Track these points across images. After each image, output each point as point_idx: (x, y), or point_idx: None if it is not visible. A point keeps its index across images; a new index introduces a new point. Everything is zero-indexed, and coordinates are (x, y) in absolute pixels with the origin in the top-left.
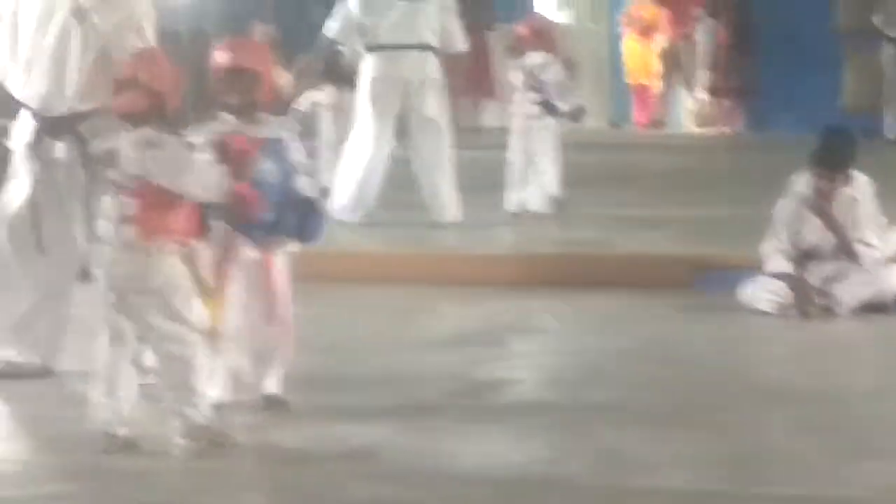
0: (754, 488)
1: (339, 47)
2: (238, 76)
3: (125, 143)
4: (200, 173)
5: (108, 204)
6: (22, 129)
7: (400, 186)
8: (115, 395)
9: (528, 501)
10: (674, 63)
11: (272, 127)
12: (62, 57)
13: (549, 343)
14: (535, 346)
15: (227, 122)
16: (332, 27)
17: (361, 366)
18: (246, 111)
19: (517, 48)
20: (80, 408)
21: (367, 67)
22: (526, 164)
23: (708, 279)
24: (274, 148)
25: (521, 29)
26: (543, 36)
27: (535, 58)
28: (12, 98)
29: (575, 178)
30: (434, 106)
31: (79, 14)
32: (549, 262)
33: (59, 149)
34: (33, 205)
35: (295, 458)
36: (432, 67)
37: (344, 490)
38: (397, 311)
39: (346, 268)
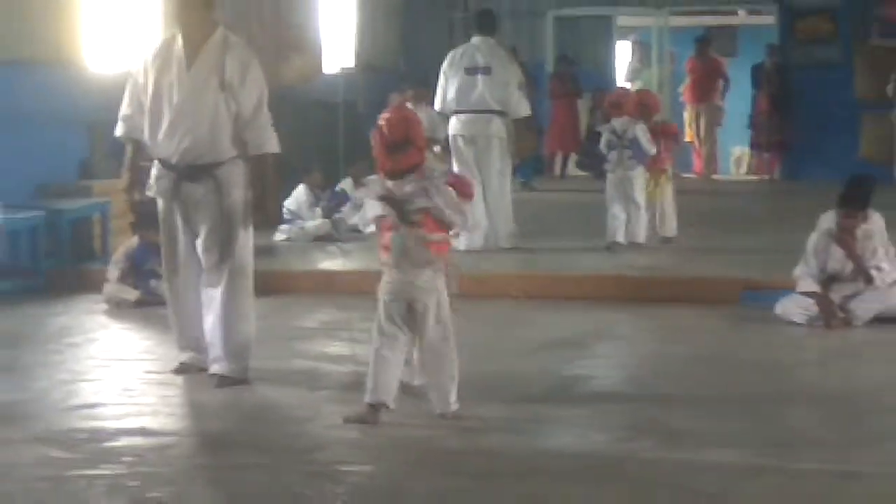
0: (791, 464)
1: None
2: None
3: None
4: (458, 205)
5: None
6: (159, 178)
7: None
8: (385, 378)
9: (608, 472)
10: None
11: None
12: (212, 121)
13: (625, 347)
14: (613, 350)
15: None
16: (436, 103)
17: (475, 366)
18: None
19: (607, 114)
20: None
21: (450, 128)
22: (618, 205)
23: (751, 297)
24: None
25: (609, 99)
26: (623, 104)
27: (619, 122)
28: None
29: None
30: (497, 158)
31: (226, 90)
32: (625, 282)
33: (197, 189)
34: (179, 237)
35: (426, 435)
36: (495, 128)
37: (463, 460)
38: (502, 322)
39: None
